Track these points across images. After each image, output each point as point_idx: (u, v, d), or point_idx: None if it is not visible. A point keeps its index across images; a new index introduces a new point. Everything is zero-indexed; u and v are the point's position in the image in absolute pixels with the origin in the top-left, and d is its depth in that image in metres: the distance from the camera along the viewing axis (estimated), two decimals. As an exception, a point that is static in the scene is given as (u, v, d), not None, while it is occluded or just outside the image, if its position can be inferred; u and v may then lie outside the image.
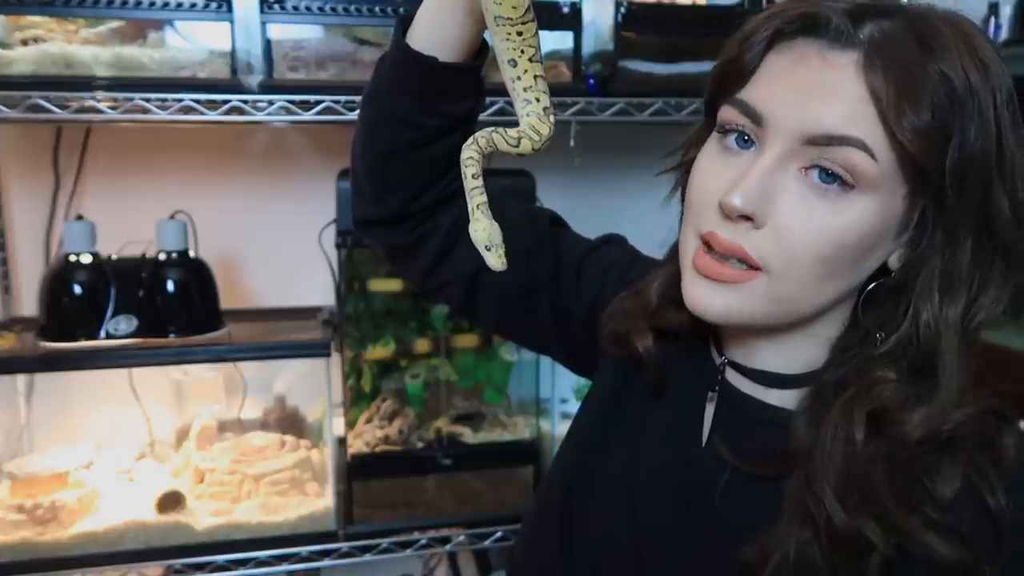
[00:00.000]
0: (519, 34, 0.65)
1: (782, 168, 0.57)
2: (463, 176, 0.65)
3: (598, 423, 0.76)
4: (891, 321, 0.60)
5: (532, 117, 0.67)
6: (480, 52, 0.72)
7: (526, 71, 0.66)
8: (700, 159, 0.63)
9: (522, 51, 0.65)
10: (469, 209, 0.65)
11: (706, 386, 0.69)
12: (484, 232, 0.64)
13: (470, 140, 0.66)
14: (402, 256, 0.82)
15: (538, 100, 0.67)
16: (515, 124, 0.67)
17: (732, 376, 0.68)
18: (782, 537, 0.58)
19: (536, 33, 0.65)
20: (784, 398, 0.65)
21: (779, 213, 0.57)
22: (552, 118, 0.67)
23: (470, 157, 0.65)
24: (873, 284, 0.61)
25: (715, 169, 0.61)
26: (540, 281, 0.80)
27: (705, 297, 0.60)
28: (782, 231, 0.57)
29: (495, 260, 0.64)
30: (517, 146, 0.66)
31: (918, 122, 0.54)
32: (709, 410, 0.68)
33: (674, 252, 0.71)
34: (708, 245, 0.60)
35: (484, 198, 0.65)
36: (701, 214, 0.61)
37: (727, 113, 0.60)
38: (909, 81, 0.54)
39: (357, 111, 0.77)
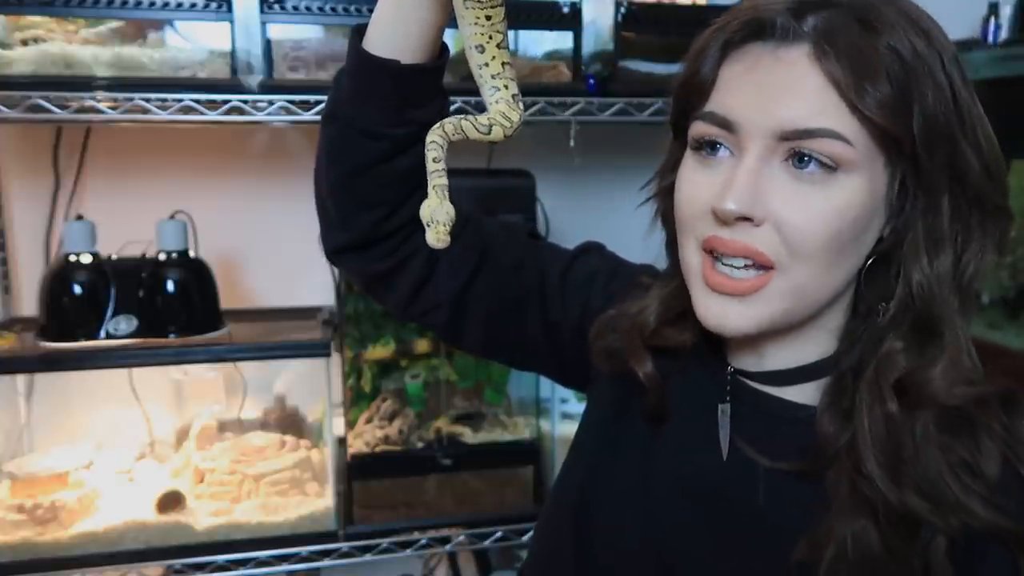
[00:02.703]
0: (488, 18, 0.64)
1: (766, 164, 0.58)
2: (425, 158, 0.64)
3: (604, 436, 0.75)
4: (888, 290, 0.61)
5: (502, 104, 0.66)
6: (441, 53, 0.71)
7: (494, 57, 0.65)
8: (680, 177, 0.64)
9: (490, 36, 0.64)
10: (428, 190, 0.63)
11: (718, 391, 0.68)
12: (427, 208, 0.62)
13: (436, 125, 0.65)
14: (382, 284, 0.78)
15: (506, 87, 0.66)
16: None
17: (745, 379, 0.67)
18: (834, 529, 0.58)
19: (504, 19, 0.65)
20: (801, 393, 0.65)
21: (775, 207, 0.58)
22: (521, 105, 0.66)
23: (433, 141, 0.64)
24: (870, 259, 0.62)
25: (698, 181, 0.62)
26: (527, 295, 0.79)
27: (721, 314, 0.61)
28: (782, 223, 0.58)
29: (431, 236, 0.61)
30: (488, 133, 0.65)
31: (880, 95, 0.55)
32: (725, 416, 0.67)
33: (667, 274, 0.71)
34: (713, 253, 0.60)
35: (444, 181, 0.63)
36: (697, 224, 0.61)
37: (698, 128, 0.62)
38: (861, 60, 0.56)
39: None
